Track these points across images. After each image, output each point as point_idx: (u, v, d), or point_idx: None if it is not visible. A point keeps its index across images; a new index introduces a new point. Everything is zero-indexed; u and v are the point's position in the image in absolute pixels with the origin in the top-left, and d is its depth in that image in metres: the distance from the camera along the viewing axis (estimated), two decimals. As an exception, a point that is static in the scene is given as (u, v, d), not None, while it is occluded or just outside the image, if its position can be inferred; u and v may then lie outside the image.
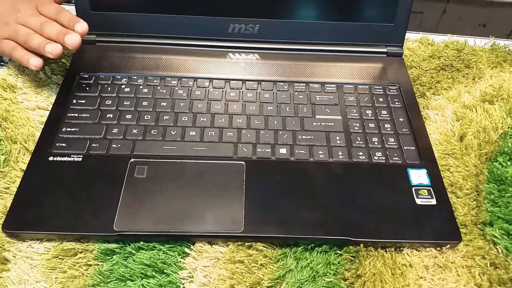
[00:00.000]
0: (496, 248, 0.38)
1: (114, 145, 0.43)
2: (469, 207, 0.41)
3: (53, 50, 0.44)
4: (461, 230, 0.39)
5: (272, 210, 0.39)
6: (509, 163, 0.43)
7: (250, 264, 0.37)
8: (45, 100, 0.49)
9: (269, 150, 0.43)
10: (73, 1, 0.52)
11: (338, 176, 0.42)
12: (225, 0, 0.51)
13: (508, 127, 0.47)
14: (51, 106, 0.47)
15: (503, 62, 0.56)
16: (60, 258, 0.37)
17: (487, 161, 0.44)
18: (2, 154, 0.43)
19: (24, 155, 0.43)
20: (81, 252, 0.37)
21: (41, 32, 0.45)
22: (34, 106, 0.48)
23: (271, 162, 0.42)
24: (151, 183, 0.40)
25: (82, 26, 0.45)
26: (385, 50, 0.54)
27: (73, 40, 0.44)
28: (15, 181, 0.41)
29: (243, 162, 0.42)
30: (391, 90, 0.50)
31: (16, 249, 0.37)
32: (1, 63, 0.64)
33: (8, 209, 0.38)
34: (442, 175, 0.43)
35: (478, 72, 0.55)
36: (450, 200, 0.41)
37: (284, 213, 0.39)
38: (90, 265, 0.36)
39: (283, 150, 0.43)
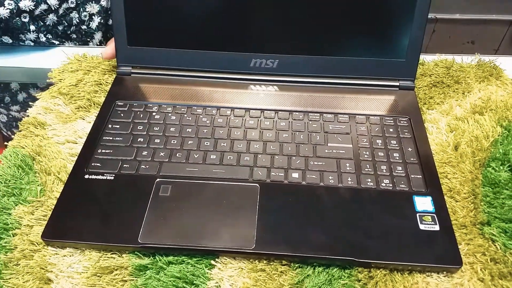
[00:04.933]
0: (495, 245, 0.42)
1: (143, 166, 0.47)
2: (467, 209, 0.45)
3: None
4: (461, 230, 0.43)
5: (282, 230, 0.42)
6: (501, 167, 0.48)
7: (271, 272, 0.40)
8: (73, 134, 0.53)
9: (282, 174, 0.47)
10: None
11: (346, 200, 0.45)
12: (248, 37, 0.57)
13: (498, 135, 0.51)
14: (79, 139, 0.52)
15: (490, 76, 0.61)
16: (98, 276, 0.40)
17: (481, 167, 0.48)
18: (39, 185, 0.47)
19: (58, 185, 0.47)
20: (116, 269, 0.41)
21: None
22: (64, 140, 0.52)
23: (284, 185, 0.46)
24: (173, 201, 0.44)
25: None
26: (397, 83, 0.57)
27: None
28: (52, 209, 0.44)
29: (257, 185, 0.46)
30: (401, 122, 0.53)
31: (58, 270, 0.40)
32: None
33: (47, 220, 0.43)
34: (441, 182, 0.46)
35: (467, 86, 0.59)
36: (450, 204, 0.45)
37: (293, 233, 0.42)
38: (126, 281, 0.40)
39: (295, 174, 0.47)
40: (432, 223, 0.42)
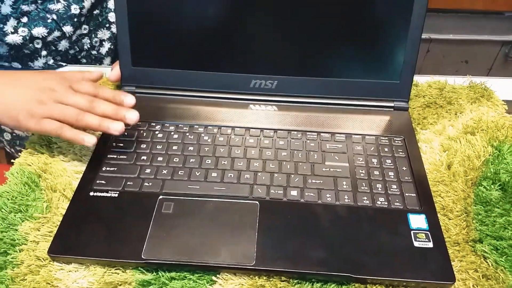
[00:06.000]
0: (487, 262, 0.44)
1: (146, 184, 0.49)
2: (460, 227, 0.47)
3: (121, 129, 0.48)
4: (454, 247, 0.45)
5: (281, 247, 0.43)
6: (492, 186, 0.49)
7: (271, 287, 0.41)
8: (78, 152, 0.54)
9: (281, 192, 0.48)
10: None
11: (343, 218, 0.46)
12: (248, 59, 0.59)
13: (489, 154, 0.53)
14: (83, 157, 0.53)
15: (481, 98, 0.63)
16: None
17: (473, 186, 0.50)
18: (44, 202, 0.48)
19: (63, 202, 0.49)
20: (120, 285, 0.42)
21: (93, 110, 0.48)
22: (69, 158, 0.54)
23: (283, 203, 0.47)
24: (176, 218, 0.46)
25: (131, 99, 0.50)
26: (392, 104, 0.59)
27: (135, 116, 0.49)
28: (58, 225, 0.45)
29: (257, 202, 0.47)
30: (396, 141, 0.55)
31: (63, 285, 0.42)
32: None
33: (53, 236, 0.44)
34: (434, 200, 0.48)
35: (459, 107, 0.61)
36: (443, 222, 0.46)
37: (292, 250, 0.43)
38: None
39: (294, 192, 0.48)
40: (426, 240, 0.44)
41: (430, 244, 0.43)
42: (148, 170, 0.51)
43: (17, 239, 0.45)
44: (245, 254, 0.42)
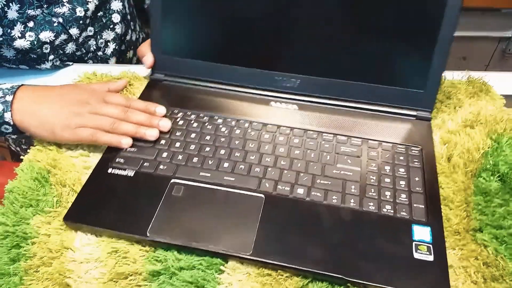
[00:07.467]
0: (487, 250, 0.44)
1: (161, 167, 0.51)
2: (460, 217, 0.48)
3: (156, 135, 0.54)
4: (455, 236, 0.46)
5: (279, 241, 0.44)
6: (491, 178, 0.50)
7: (277, 276, 0.43)
8: (87, 148, 0.55)
9: (288, 188, 0.49)
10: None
11: (346, 220, 0.46)
12: (273, 56, 0.60)
13: (488, 147, 0.53)
14: (91, 153, 0.54)
15: (479, 92, 0.63)
16: (114, 281, 0.43)
17: (473, 177, 0.51)
18: (54, 197, 0.49)
19: (73, 196, 0.49)
20: (131, 275, 0.43)
21: (128, 119, 0.53)
22: (78, 154, 0.54)
23: (288, 199, 0.48)
24: (184, 201, 0.48)
25: (163, 109, 0.56)
26: (414, 113, 0.58)
27: (168, 124, 0.55)
28: None
29: (263, 196, 0.48)
30: (413, 151, 0.54)
31: (76, 276, 0.43)
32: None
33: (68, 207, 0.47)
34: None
35: (458, 102, 0.61)
36: (444, 212, 0.47)
37: (289, 245, 0.44)
38: (140, 286, 0.43)
39: (300, 190, 0.49)
40: (427, 253, 0.43)
41: (431, 258, 0.43)
42: (165, 154, 0.53)
43: (29, 232, 0.46)
44: (244, 244, 0.44)
